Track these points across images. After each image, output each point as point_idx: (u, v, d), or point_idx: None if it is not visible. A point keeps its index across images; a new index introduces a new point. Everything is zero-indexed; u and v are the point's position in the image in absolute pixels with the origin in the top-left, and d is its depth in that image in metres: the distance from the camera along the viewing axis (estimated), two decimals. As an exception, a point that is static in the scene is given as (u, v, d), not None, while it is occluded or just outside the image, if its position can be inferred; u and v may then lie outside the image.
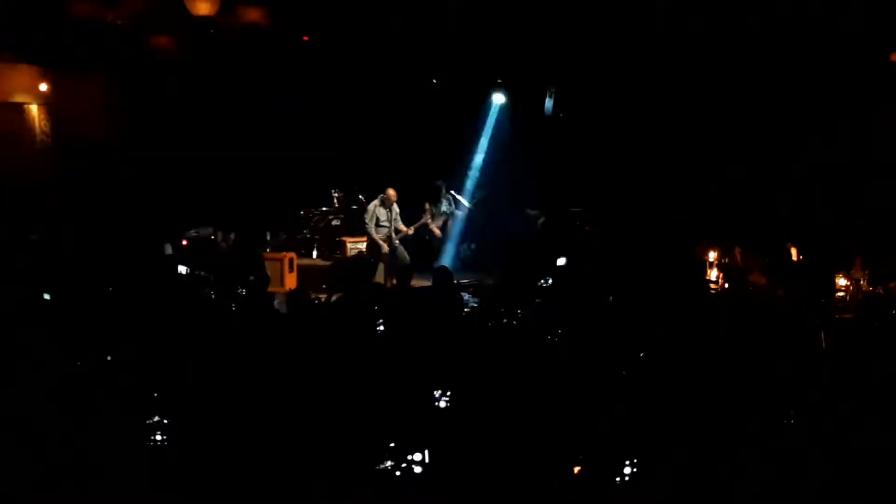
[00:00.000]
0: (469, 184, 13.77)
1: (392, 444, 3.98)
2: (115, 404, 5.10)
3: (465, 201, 12.86)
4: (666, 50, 11.05)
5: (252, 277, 10.38)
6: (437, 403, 4.71)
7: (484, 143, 14.30)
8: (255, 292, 8.92)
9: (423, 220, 12.25)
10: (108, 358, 5.78)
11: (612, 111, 13.08)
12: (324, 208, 13.65)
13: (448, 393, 4.72)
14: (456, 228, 13.47)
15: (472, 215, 13.14)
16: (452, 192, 12.62)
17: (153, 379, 5.31)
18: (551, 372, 5.17)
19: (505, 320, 6.46)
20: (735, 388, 4.74)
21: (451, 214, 12.39)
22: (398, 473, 3.96)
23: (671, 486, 3.88)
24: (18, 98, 11.02)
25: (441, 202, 12.41)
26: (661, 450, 4.04)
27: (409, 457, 3.94)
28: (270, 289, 11.07)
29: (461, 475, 3.93)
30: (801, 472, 3.95)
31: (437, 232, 12.16)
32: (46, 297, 7.46)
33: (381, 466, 3.93)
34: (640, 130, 12.83)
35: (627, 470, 3.87)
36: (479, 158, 14.24)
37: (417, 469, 3.95)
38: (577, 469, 3.88)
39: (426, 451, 3.96)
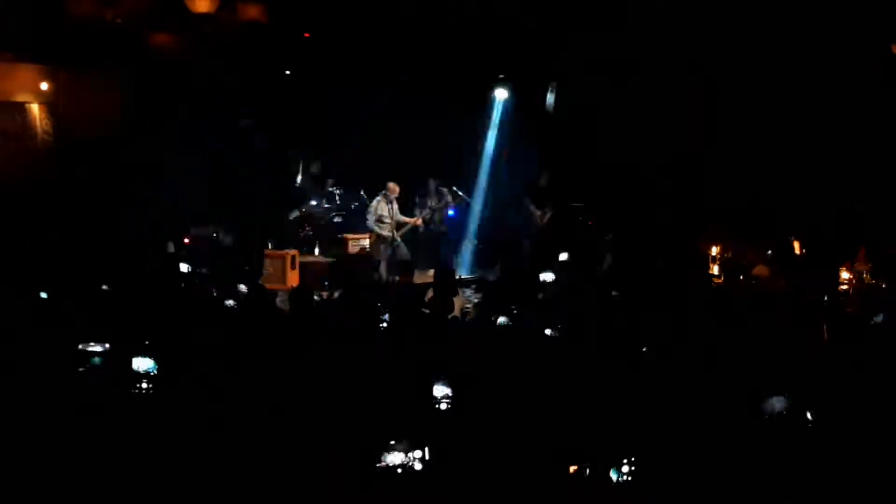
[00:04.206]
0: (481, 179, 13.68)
1: (392, 442, 3.97)
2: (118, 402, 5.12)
3: (465, 197, 12.77)
4: (666, 45, 11.03)
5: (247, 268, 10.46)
6: (437, 401, 4.72)
7: (491, 138, 14.24)
8: (253, 285, 8.97)
9: (424, 213, 12.29)
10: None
11: (612, 106, 13.07)
12: (325, 205, 13.64)
13: (449, 391, 4.72)
14: (457, 225, 13.47)
15: (473, 211, 13.12)
16: (454, 188, 12.60)
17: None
18: (551, 369, 5.17)
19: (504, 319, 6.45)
20: (735, 383, 4.73)
21: (438, 210, 12.41)
22: (399, 471, 3.95)
23: (669, 485, 3.87)
24: (20, 97, 11.00)
25: (430, 198, 12.43)
26: (659, 448, 4.02)
27: (410, 454, 3.94)
28: (273, 286, 11.12)
29: (459, 473, 3.94)
30: (802, 470, 3.93)
31: (419, 221, 12.26)
32: (43, 295, 7.46)
33: (382, 464, 3.92)
34: (641, 126, 12.81)
35: (625, 469, 3.86)
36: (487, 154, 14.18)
37: (418, 466, 3.94)
38: (573, 468, 3.87)
39: (426, 449, 3.95)
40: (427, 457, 3.92)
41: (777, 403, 4.23)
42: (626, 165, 12.88)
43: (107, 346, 5.80)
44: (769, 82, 11.43)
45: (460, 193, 12.38)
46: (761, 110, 11.66)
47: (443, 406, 4.69)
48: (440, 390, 4.73)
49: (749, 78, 11.54)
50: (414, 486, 3.86)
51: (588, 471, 3.85)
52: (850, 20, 9.61)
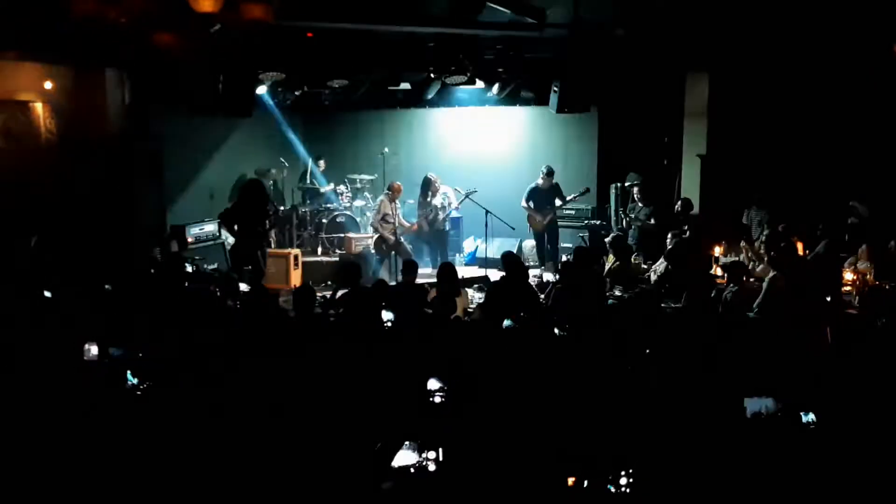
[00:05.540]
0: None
1: (406, 442, 3.99)
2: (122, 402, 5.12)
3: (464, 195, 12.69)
4: (671, 45, 11.03)
5: (248, 267, 10.46)
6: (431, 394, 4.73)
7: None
8: (253, 285, 8.97)
9: (427, 212, 12.27)
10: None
11: (616, 107, 13.07)
12: (328, 205, 13.66)
13: (451, 391, 4.72)
14: (460, 223, 13.46)
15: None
16: (457, 187, 12.59)
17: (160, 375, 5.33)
18: (554, 370, 5.16)
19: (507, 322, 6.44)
20: (737, 385, 4.73)
21: (442, 209, 12.37)
22: (413, 470, 3.96)
23: (668, 496, 3.85)
24: (23, 96, 11.00)
25: (432, 196, 12.39)
26: (658, 458, 4.00)
27: (423, 454, 3.95)
28: (276, 286, 11.13)
29: (465, 474, 3.94)
30: (803, 474, 3.93)
31: (425, 225, 12.23)
32: (47, 294, 7.48)
33: (397, 464, 3.94)
34: (643, 126, 12.82)
35: (623, 480, 3.84)
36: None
37: (431, 466, 3.95)
38: (571, 480, 3.85)
39: (440, 450, 3.96)
40: (441, 458, 3.93)
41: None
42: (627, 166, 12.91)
43: (109, 345, 5.82)
44: (771, 82, 11.42)
45: (462, 192, 12.35)
46: (763, 110, 11.66)
47: (437, 399, 4.69)
48: (434, 384, 4.75)
49: (751, 78, 11.54)
50: (427, 486, 3.87)
51: (586, 482, 3.83)
52: (852, 21, 9.61)
